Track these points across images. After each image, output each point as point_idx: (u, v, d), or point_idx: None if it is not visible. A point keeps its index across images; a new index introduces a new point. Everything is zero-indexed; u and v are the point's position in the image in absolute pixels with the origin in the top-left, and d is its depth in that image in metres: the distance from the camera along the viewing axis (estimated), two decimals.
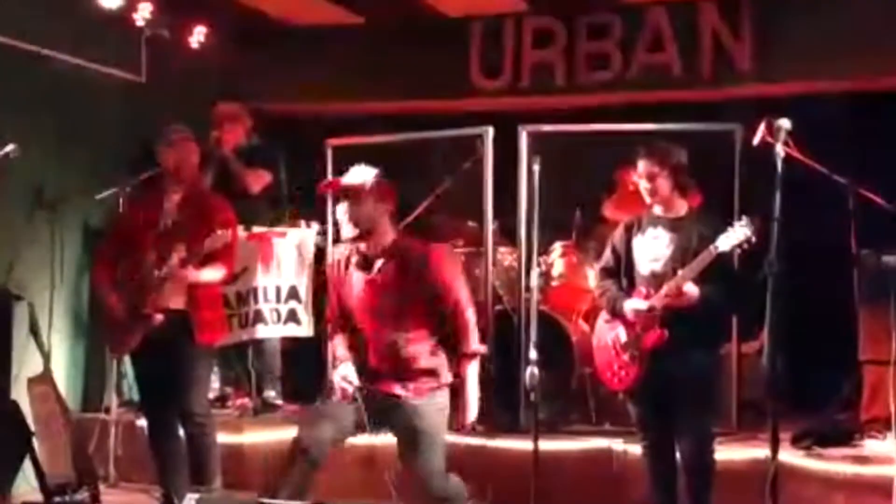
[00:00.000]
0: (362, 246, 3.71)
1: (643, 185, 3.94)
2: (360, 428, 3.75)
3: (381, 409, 3.70)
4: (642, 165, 3.92)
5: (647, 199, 3.96)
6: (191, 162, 4.38)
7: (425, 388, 3.68)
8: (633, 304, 3.89)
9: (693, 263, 3.75)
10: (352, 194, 3.66)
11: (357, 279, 3.74)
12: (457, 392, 3.74)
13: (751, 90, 5.65)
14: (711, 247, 3.71)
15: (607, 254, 4.10)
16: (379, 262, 3.70)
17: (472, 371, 3.74)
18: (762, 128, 3.84)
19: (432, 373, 3.71)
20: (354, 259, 3.75)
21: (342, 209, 3.68)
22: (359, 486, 4.75)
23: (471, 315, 3.75)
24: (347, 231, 3.68)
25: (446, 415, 3.74)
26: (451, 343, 3.74)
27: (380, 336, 3.72)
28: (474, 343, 3.74)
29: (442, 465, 3.72)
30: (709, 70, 5.72)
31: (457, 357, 3.72)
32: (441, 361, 3.72)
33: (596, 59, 5.93)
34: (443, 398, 3.72)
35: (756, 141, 3.89)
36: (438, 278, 3.68)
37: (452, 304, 3.69)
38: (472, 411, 3.75)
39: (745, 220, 3.69)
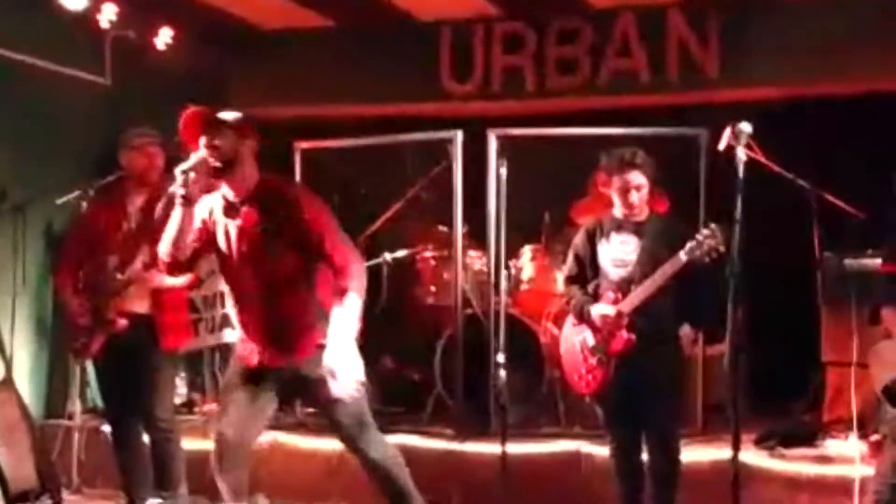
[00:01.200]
0: (228, 192, 3.43)
1: (629, 198, 3.88)
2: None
3: (281, 382, 3.45)
4: (627, 177, 3.86)
5: (623, 209, 3.93)
6: (154, 165, 4.34)
7: (312, 347, 3.38)
8: (601, 310, 3.90)
9: (659, 272, 3.76)
10: (215, 128, 3.37)
11: (226, 227, 3.44)
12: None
13: (718, 95, 5.70)
14: (680, 254, 3.72)
15: (570, 261, 4.10)
16: (244, 207, 3.41)
17: (344, 311, 3.28)
18: (727, 133, 3.87)
19: (316, 328, 3.37)
20: (220, 205, 3.45)
21: (202, 143, 3.36)
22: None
23: (356, 269, 3.39)
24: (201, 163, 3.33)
25: None
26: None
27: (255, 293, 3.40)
28: (353, 287, 3.32)
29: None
30: (676, 75, 5.77)
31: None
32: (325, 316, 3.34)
33: (565, 64, 5.95)
34: None
35: (721, 146, 3.90)
36: (310, 221, 3.36)
37: (328, 250, 3.35)
38: (338, 363, 3.26)
39: (711, 228, 3.70)
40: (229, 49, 6.24)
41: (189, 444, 4.50)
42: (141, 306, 4.20)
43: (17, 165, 5.17)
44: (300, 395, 3.72)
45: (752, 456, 4.29)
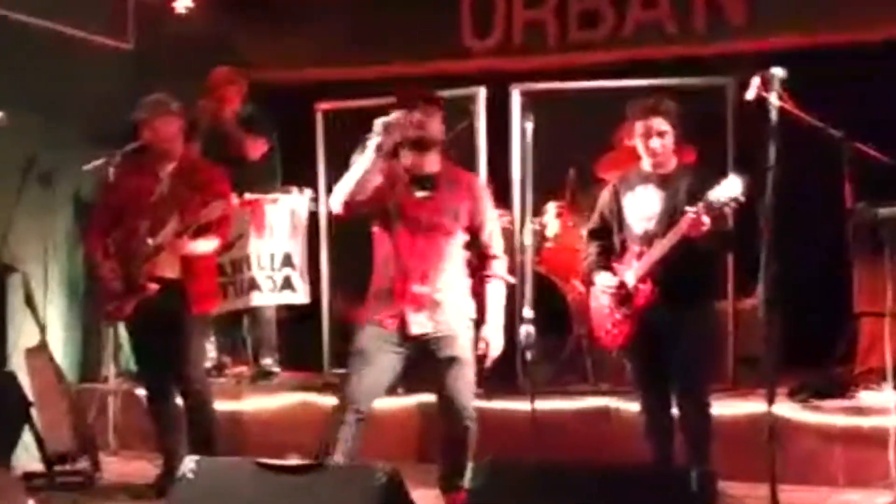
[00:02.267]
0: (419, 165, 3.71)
1: (649, 144, 3.82)
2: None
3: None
4: (649, 123, 3.80)
5: (647, 158, 3.87)
6: (171, 133, 4.30)
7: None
8: (603, 280, 3.87)
9: (675, 229, 3.69)
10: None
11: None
12: None
13: (745, 45, 5.59)
14: (698, 205, 3.63)
15: (595, 215, 4.06)
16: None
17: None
18: (756, 82, 3.81)
19: None
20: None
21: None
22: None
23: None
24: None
25: None
26: None
27: None
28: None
29: None
30: (702, 25, 5.66)
31: None
32: None
33: (588, 16, 5.86)
34: None
35: (750, 95, 3.85)
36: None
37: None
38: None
39: (729, 178, 3.63)
40: (250, 12, 6.19)
41: (220, 405, 4.55)
42: (172, 271, 4.22)
43: (43, 133, 5.19)
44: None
45: (786, 409, 4.27)
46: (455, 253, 3.79)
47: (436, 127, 3.73)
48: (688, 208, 3.65)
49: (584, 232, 4.25)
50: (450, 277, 3.75)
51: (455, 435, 3.75)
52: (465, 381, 3.73)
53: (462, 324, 3.76)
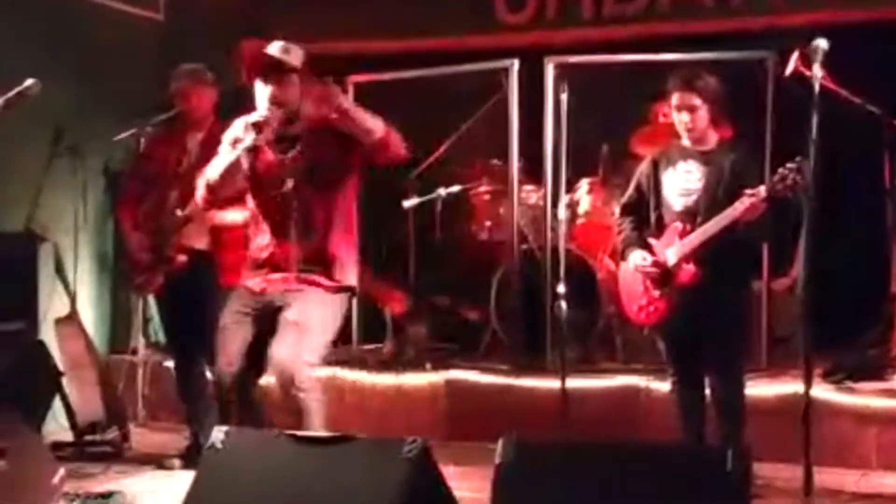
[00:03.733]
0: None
1: (680, 118, 3.76)
2: None
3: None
4: (681, 97, 3.73)
5: (683, 133, 3.80)
6: (204, 102, 4.30)
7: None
8: (637, 258, 3.81)
9: (730, 209, 3.60)
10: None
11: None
12: None
13: (784, 19, 5.47)
14: (760, 188, 3.53)
15: (631, 189, 3.99)
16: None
17: None
18: (795, 56, 3.72)
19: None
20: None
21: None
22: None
23: None
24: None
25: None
26: None
27: None
28: None
29: None
30: None
31: None
32: None
33: None
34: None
35: (789, 70, 3.77)
36: None
37: None
38: None
39: (797, 162, 3.45)
40: None
41: None
42: (200, 242, 4.22)
43: (73, 104, 5.19)
44: None
45: (820, 390, 4.20)
46: None
47: (293, 93, 3.47)
48: (747, 191, 3.58)
49: (616, 210, 4.19)
50: None
51: None
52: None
53: None
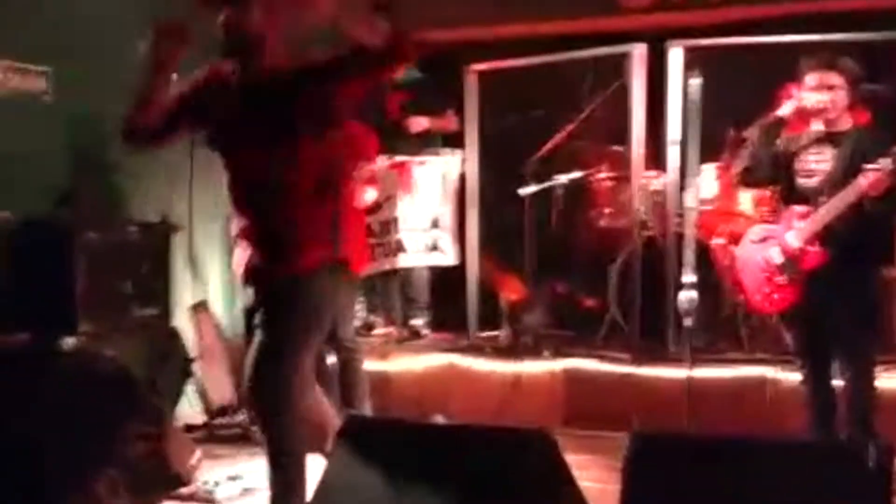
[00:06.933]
0: None
1: (819, 98, 3.63)
2: None
3: None
4: (820, 77, 3.61)
5: (817, 115, 3.67)
6: None
7: None
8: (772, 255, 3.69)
9: (849, 188, 3.49)
10: None
11: None
12: None
13: None
14: (871, 167, 3.41)
15: (755, 160, 3.84)
16: None
17: None
18: None
19: None
20: None
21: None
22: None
23: None
24: None
25: None
26: None
27: None
28: None
29: None
30: None
31: None
32: None
33: None
34: None
35: None
36: None
37: None
38: None
39: None
40: None
41: (368, 365, 4.58)
42: None
43: None
44: None
45: None
46: None
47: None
48: (869, 166, 3.44)
49: (744, 194, 4.07)
50: None
51: None
52: None
53: None
